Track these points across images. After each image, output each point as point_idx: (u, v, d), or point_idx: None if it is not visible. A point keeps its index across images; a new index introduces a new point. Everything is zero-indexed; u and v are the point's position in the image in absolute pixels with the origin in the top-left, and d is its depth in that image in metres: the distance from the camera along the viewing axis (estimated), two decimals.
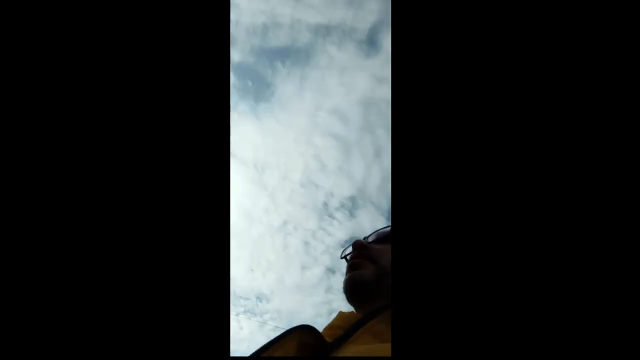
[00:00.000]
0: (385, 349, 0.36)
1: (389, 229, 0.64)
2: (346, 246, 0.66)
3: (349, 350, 0.38)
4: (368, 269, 0.56)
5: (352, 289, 0.56)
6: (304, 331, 0.46)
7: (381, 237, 0.63)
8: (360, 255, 0.58)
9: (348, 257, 0.62)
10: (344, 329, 0.46)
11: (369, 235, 0.66)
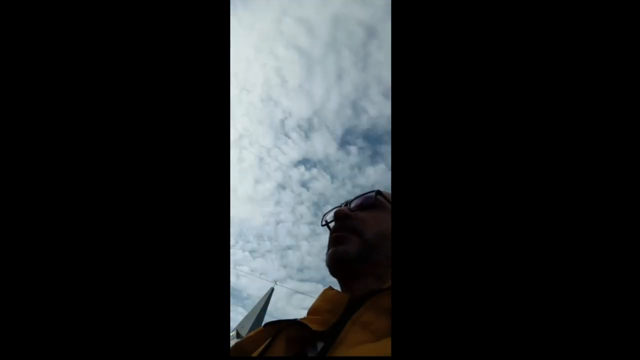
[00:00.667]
0: (381, 347, 0.36)
1: (373, 194, 0.59)
2: (326, 212, 0.62)
3: (346, 352, 0.38)
4: (352, 243, 0.52)
5: (336, 266, 0.53)
6: (291, 327, 0.46)
7: (366, 204, 0.58)
8: (344, 227, 0.54)
9: (330, 226, 0.58)
10: (332, 314, 0.45)
11: (352, 201, 0.60)
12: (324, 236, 0.59)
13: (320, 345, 0.42)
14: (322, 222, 0.61)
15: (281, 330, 0.46)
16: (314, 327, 0.44)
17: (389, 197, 0.60)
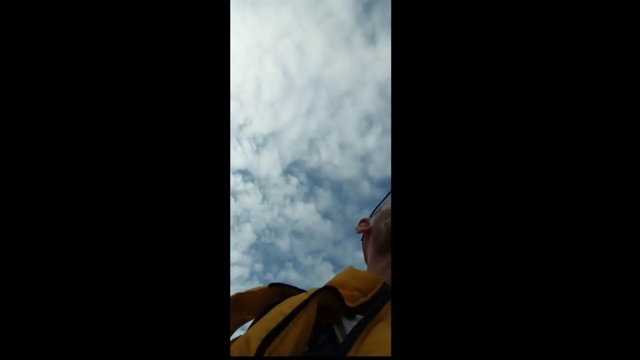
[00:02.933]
0: None
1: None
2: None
3: (387, 327, 0.39)
4: None
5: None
6: (326, 292, 0.45)
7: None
8: None
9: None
10: (361, 293, 0.48)
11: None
12: None
13: (357, 319, 0.43)
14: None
15: (287, 295, 0.49)
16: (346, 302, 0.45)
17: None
